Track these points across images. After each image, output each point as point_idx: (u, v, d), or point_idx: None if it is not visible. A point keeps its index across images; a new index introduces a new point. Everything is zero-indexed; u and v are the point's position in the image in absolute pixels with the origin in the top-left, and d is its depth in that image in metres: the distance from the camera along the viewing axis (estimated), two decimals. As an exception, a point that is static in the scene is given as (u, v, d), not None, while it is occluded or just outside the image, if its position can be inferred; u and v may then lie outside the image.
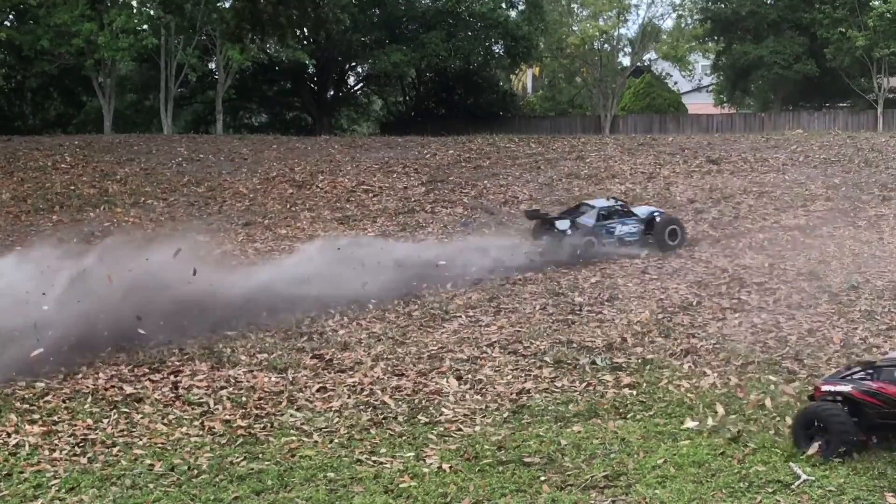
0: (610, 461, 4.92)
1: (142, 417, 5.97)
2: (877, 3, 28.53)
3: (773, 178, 15.41)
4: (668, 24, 34.15)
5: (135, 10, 25.48)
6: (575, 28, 32.54)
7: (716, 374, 6.45)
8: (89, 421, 5.89)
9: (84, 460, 5.26)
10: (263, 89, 34.19)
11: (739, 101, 36.01)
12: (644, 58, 34.64)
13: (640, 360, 6.87)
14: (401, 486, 4.72)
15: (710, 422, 5.46)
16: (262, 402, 6.29)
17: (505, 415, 5.89)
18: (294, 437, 5.60)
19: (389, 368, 6.98)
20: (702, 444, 5.12)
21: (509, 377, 6.68)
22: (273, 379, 6.76)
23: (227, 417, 5.98)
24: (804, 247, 10.35)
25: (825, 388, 5.00)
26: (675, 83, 35.95)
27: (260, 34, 18.50)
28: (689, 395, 6.08)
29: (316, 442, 5.52)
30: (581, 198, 14.61)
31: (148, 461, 5.23)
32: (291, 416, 6.01)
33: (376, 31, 31.15)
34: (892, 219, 11.59)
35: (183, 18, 22.05)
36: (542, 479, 4.73)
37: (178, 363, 7.10)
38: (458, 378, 6.69)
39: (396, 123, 33.09)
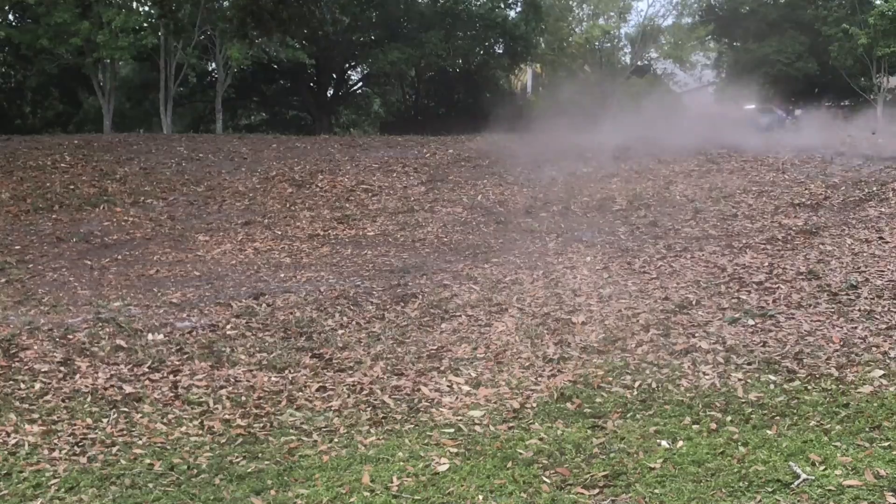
0: (610, 461, 4.92)
1: (141, 417, 5.97)
2: (878, 1, 28.57)
3: (773, 178, 15.40)
4: (669, 22, 34.16)
5: (133, 9, 25.51)
6: (576, 28, 32.58)
7: (716, 374, 6.44)
8: (89, 420, 5.89)
9: (83, 460, 5.26)
10: (263, 89, 34.22)
11: (739, 100, 36.06)
12: (645, 56, 34.70)
13: (640, 360, 6.87)
14: (400, 485, 4.72)
15: (709, 421, 5.46)
16: (261, 401, 6.29)
17: (505, 414, 5.89)
18: (294, 437, 5.60)
19: (389, 368, 6.98)
20: (701, 443, 5.11)
21: (509, 376, 6.68)
22: (272, 378, 6.77)
23: (227, 417, 5.99)
24: (804, 246, 10.33)
25: None
26: (676, 81, 35.99)
27: (263, 31, 18.60)
28: (688, 394, 6.07)
29: (315, 441, 5.51)
30: (580, 195, 14.66)
31: (147, 461, 5.23)
32: (291, 415, 6.02)
33: (375, 31, 31.19)
34: (891, 218, 11.57)
35: (177, 21, 22.14)
36: (542, 478, 4.73)
37: (177, 362, 7.10)
38: (458, 377, 6.70)
39: (396, 123, 33.15)
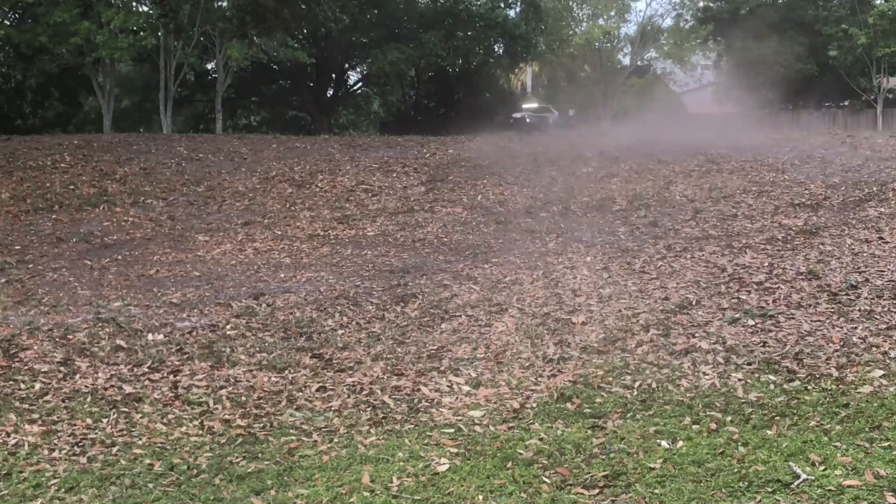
0: (610, 461, 4.92)
1: (141, 417, 5.97)
2: (878, 1, 28.63)
3: (773, 178, 15.40)
4: (668, 22, 34.18)
5: (133, 9, 25.54)
6: (576, 29, 32.63)
7: (716, 374, 6.44)
8: (88, 420, 5.89)
9: (83, 460, 5.26)
10: (263, 89, 34.20)
11: (739, 101, 36.11)
12: (644, 57, 34.75)
13: (640, 360, 6.87)
14: (400, 485, 4.72)
15: (709, 421, 5.46)
16: (261, 401, 6.29)
17: (505, 414, 5.89)
18: (294, 437, 5.61)
19: (389, 368, 6.98)
20: (701, 443, 5.11)
21: (509, 377, 6.68)
22: (272, 378, 6.77)
23: (227, 417, 5.99)
24: (804, 246, 10.33)
25: None
26: (675, 81, 36.02)
27: (263, 30, 18.64)
28: (688, 394, 6.08)
29: (315, 441, 5.51)
30: (580, 195, 14.66)
31: (147, 461, 5.23)
32: (291, 415, 6.02)
33: (375, 31, 31.19)
34: (891, 218, 11.57)
35: (178, 21, 22.21)
36: (542, 478, 4.73)
37: (177, 362, 7.10)
38: (458, 377, 6.70)
39: (396, 123, 33.17)
